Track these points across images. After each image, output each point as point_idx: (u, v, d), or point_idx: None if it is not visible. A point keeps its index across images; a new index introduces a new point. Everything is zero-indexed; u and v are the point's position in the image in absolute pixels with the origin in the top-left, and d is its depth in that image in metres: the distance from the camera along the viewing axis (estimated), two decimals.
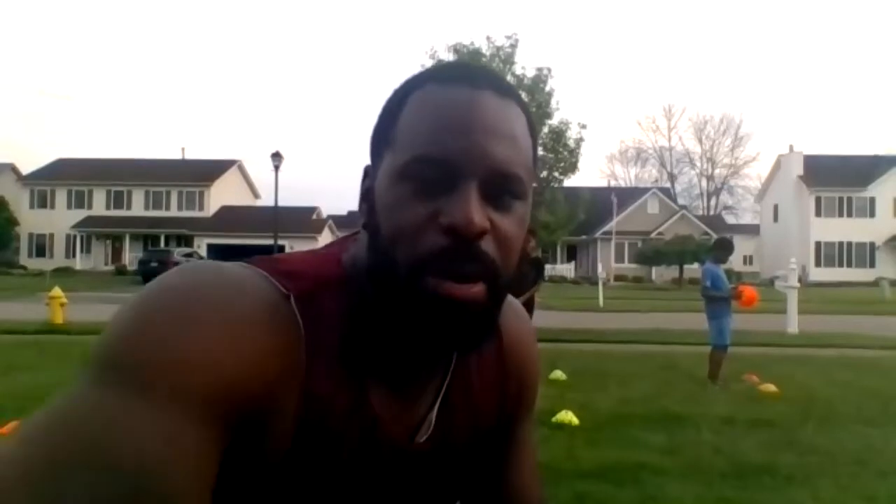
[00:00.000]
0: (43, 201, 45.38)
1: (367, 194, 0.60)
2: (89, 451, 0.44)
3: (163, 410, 0.46)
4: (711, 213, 63.48)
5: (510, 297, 0.71)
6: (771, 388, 6.33)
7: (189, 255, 31.48)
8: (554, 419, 4.97)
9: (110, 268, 41.01)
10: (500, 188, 0.55)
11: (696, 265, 38.49)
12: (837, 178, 43.07)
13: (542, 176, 33.65)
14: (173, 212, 44.70)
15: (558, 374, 7.02)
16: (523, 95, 0.66)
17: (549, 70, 35.64)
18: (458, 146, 0.54)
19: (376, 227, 0.57)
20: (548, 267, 24.84)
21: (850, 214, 42.79)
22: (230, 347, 0.50)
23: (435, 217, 0.53)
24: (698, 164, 67.57)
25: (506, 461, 0.77)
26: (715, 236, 42.89)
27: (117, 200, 45.22)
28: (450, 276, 0.53)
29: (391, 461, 0.61)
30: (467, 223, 0.52)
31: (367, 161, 0.63)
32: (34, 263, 41.57)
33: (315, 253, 0.66)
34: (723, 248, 7.39)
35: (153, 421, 0.46)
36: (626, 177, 69.36)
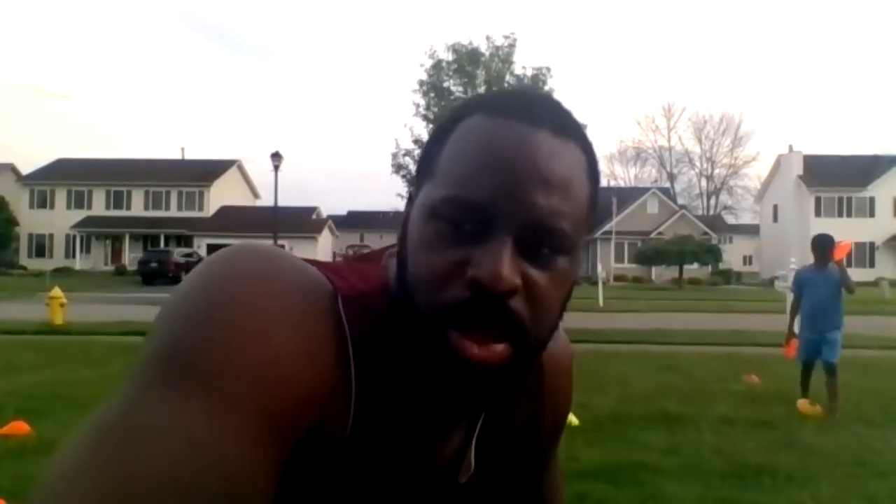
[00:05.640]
0: (43, 201, 45.38)
1: (405, 221, 0.56)
2: (176, 471, 0.38)
3: (250, 427, 0.42)
4: (711, 212, 63.52)
5: None
6: (817, 409, 5.59)
7: (189, 256, 31.50)
8: None
9: (110, 268, 41.04)
10: (541, 242, 0.50)
11: (695, 265, 38.71)
12: (837, 178, 43.08)
13: None
14: (173, 212, 44.72)
15: None
16: None
17: (549, 69, 35.72)
18: (497, 192, 0.49)
19: (404, 261, 0.53)
20: None
21: (849, 214, 42.80)
22: (309, 359, 0.47)
23: (463, 266, 0.49)
24: (698, 163, 67.71)
25: (538, 472, 0.77)
26: (714, 235, 43.13)
27: (117, 200, 45.23)
28: (472, 330, 0.49)
29: (433, 497, 0.60)
30: (494, 280, 0.47)
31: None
32: (34, 263, 41.56)
33: (354, 262, 0.63)
34: (816, 248, 5.78)
35: (241, 440, 0.41)
36: (625, 177, 69.52)
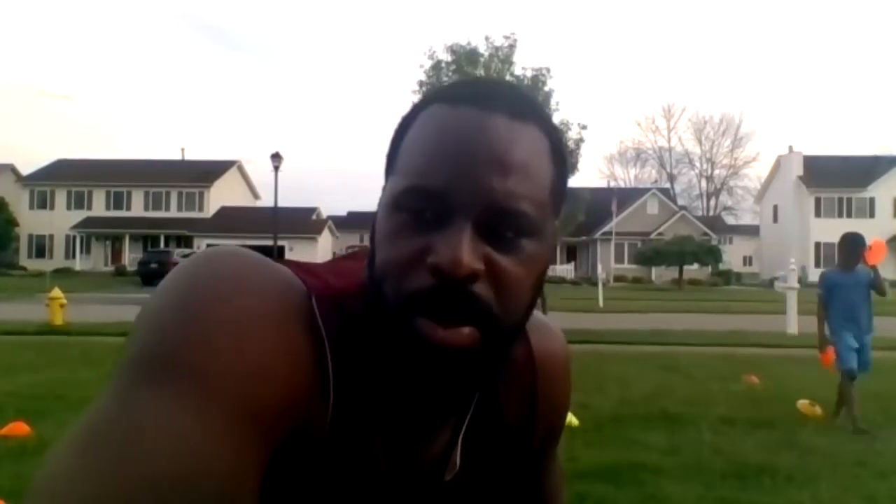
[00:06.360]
0: (43, 202, 45.39)
1: (374, 220, 0.57)
2: (168, 471, 0.39)
3: (236, 426, 0.43)
4: (711, 213, 63.51)
5: (543, 316, 0.69)
6: (817, 410, 5.59)
7: (188, 256, 31.50)
8: None
9: (110, 268, 41.04)
10: (502, 225, 0.50)
11: (695, 266, 38.71)
12: (837, 179, 43.10)
13: None
14: (173, 212, 44.74)
15: None
16: None
17: (548, 70, 35.70)
18: (453, 178, 0.49)
19: (373, 255, 0.54)
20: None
21: (849, 215, 42.78)
22: (288, 357, 0.48)
23: (424, 253, 0.49)
24: (698, 164, 67.70)
25: (535, 473, 0.76)
26: (714, 236, 43.10)
27: (117, 201, 45.23)
28: (438, 317, 0.49)
29: (418, 495, 0.60)
30: (453, 265, 0.47)
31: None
32: (34, 264, 41.56)
33: (335, 262, 0.64)
34: (843, 248, 5.38)
35: (229, 439, 0.42)
36: (625, 177, 69.41)
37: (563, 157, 0.56)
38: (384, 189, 0.56)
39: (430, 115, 0.53)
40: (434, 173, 0.50)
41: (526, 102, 0.54)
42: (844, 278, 5.33)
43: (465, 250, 0.48)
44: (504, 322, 0.51)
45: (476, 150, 0.50)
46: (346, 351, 0.53)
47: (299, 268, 0.56)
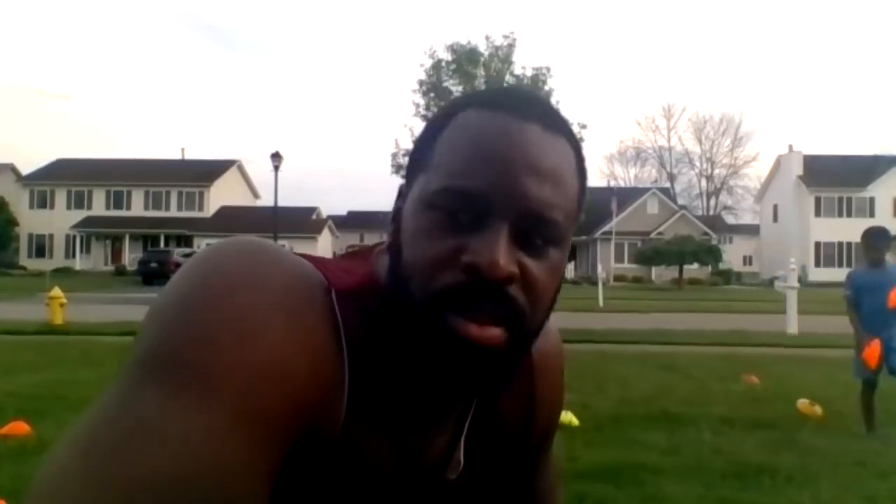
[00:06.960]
0: (43, 202, 45.39)
1: (396, 215, 0.57)
2: (170, 472, 0.38)
3: (242, 427, 0.42)
4: (711, 213, 63.51)
5: None
6: (817, 410, 5.44)
7: (189, 256, 31.43)
8: None
9: (110, 268, 41.04)
10: (534, 231, 0.51)
11: (695, 265, 38.70)
12: (837, 178, 43.11)
13: None
14: (173, 212, 44.75)
15: None
16: None
17: (548, 69, 35.77)
18: (492, 181, 0.50)
19: (399, 252, 0.53)
20: None
21: (849, 214, 42.78)
22: (300, 355, 0.47)
23: (459, 253, 0.49)
24: (698, 164, 67.70)
25: (532, 472, 0.77)
26: (714, 235, 43.08)
27: (117, 201, 45.24)
28: (471, 315, 0.49)
29: (422, 494, 0.60)
30: (492, 266, 0.48)
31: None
32: (34, 264, 41.55)
33: (341, 259, 0.63)
34: (867, 243, 4.93)
35: (233, 440, 0.41)
36: (625, 177, 69.42)
37: (585, 171, 0.57)
38: (409, 189, 0.56)
39: (466, 119, 0.54)
40: (472, 175, 0.50)
41: (557, 115, 0.55)
42: (873, 277, 4.86)
43: (503, 252, 0.48)
44: (530, 327, 0.53)
45: (514, 156, 0.50)
46: (362, 349, 0.53)
47: (317, 262, 0.56)
